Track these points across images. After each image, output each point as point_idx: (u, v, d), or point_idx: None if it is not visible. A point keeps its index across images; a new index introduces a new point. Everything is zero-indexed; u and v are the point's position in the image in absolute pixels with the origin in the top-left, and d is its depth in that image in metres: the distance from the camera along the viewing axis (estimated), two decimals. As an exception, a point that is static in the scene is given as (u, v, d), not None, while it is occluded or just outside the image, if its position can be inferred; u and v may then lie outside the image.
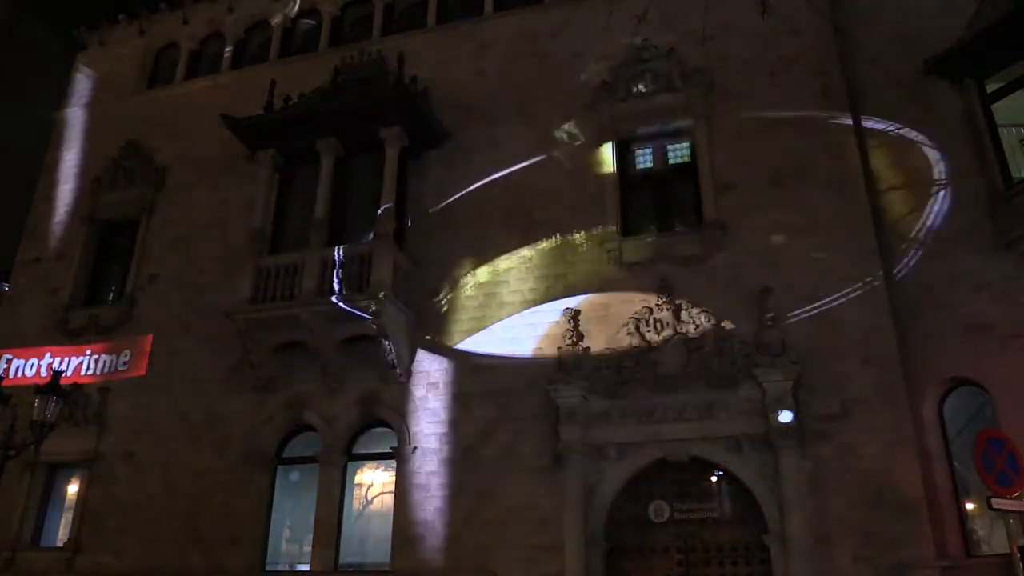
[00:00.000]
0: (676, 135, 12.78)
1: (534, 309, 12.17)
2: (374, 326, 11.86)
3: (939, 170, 10.76)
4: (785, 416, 10.26)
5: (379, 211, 12.57)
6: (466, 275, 12.77)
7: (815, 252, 11.13)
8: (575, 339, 11.56)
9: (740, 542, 10.49)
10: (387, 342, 11.97)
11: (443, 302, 12.71)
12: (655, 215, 12.53)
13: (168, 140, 16.07)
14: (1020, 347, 9.47)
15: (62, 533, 13.64)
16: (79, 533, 13.09)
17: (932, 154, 10.86)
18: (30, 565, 13.19)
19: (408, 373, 12.28)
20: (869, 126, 11.78)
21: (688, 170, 12.54)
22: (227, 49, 17.02)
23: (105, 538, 12.90)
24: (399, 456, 11.93)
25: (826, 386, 10.49)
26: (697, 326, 11.18)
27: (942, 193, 10.62)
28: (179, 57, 17.45)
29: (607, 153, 12.82)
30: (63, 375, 12.19)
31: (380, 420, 12.43)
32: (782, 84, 12.22)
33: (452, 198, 13.41)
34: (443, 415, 11.96)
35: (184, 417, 13.31)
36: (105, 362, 14.25)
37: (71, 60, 18.45)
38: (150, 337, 14.16)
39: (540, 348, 11.86)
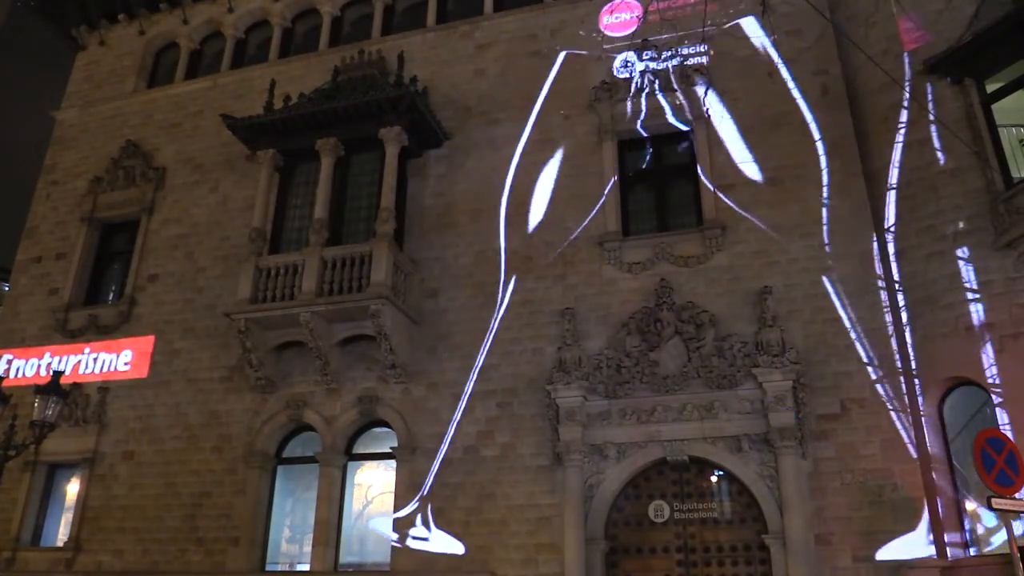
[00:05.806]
0: (676, 135, 12.79)
1: (534, 309, 12.17)
2: (374, 326, 11.87)
3: (939, 170, 10.75)
4: (785, 416, 10.27)
5: (379, 211, 12.58)
6: (466, 275, 12.78)
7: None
8: (575, 339, 11.56)
9: (740, 542, 10.50)
10: (387, 342, 11.96)
11: (443, 302, 12.71)
12: (655, 215, 12.54)
13: (168, 140, 16.10)
14: (1020, 347, 9.47)
15: (62, 533, 13.64)
16: (79, 533, 13.10)
17: (932, 154, 10.85)
18: (30, 565, 13.20)
19: (408, 373, 12.28)
20: (868, 126, 11.79)
21: (688, 170, 12.55)
22: (227, 49, 17.03)
23: (105, 537, 12.91)
24: (399, 456, 11.93)
25: (826, 386, 10.51)
26: (697, 326, 11.18)
27: (942, 193, 10.62)
28: (179, 57, 17.45)
29: (607, 153, 12.82)
30: (63, 375, 12.17)
31: (380, 420, 12.43)
32: (781, 84, 12.21)
33: (452, 198, 13.43)
34: (443, 415, 11.96)
35: (184, 417, 13.32)
36: (105, 362, 14.25)
37: (71, 60, 18.46)
38: (152, 338, 14.16)
39: (540, 348, 11.86)
